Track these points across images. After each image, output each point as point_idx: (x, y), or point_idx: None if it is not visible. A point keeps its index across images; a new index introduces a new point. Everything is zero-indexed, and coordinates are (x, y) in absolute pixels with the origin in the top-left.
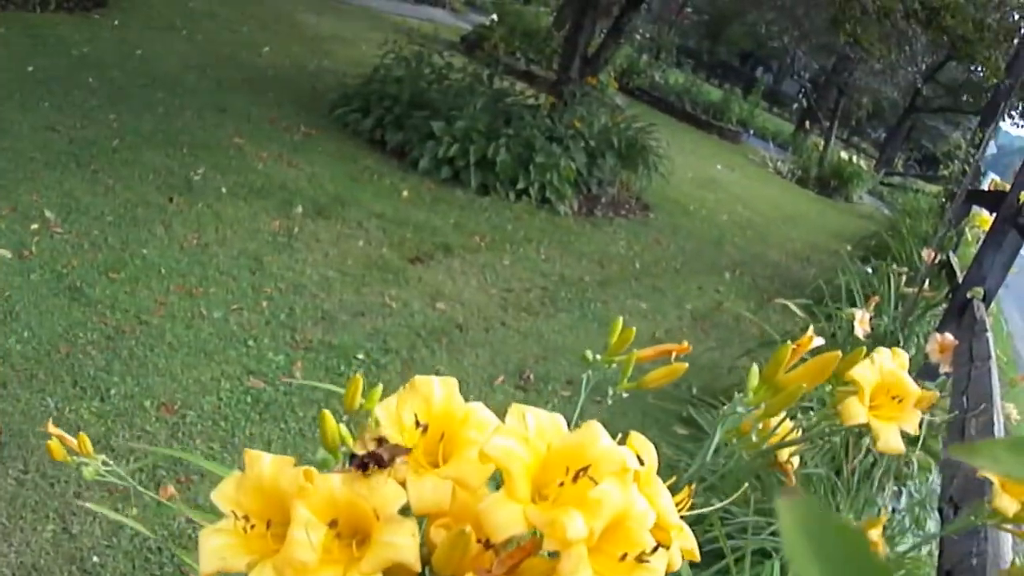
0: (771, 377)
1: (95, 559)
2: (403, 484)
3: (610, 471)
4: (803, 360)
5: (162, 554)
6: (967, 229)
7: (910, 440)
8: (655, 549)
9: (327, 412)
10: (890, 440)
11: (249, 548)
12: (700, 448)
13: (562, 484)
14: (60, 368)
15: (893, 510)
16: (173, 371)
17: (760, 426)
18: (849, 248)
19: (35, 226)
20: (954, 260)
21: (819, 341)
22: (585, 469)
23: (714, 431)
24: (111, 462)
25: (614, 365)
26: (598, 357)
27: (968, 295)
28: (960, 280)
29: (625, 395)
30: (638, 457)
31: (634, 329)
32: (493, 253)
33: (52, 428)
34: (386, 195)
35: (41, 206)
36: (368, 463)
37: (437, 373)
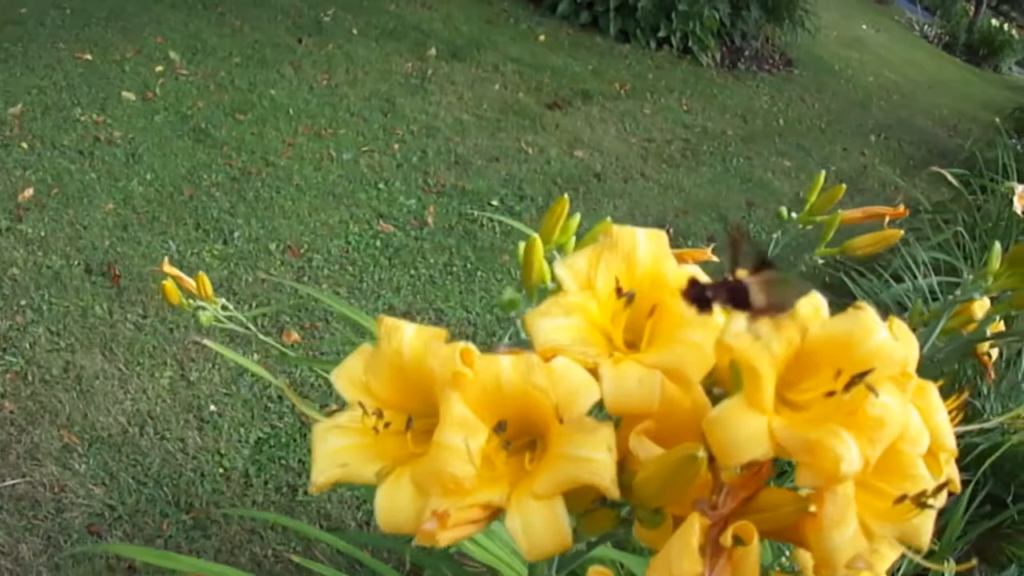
0: (1021, 260)
1: (212, 407)
2: (594, 373)
3: (889, 375)
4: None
5: (282, 403)
6: None
7: None
8: (940, 487)
9: (537, 238)
10: None
11: (381, 452)
12: None
13: (832, 393)
14: (183, 210)
15: None
16: (300, 213)
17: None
18: (999, 120)
19: (160, 68)
20: None
21: None
22: (863, 374)
23: (939, 318)
24: (230, 306)
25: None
26: (794, 215)
27: None
28: None
29: (821, 261)
30: None
31: (843, 186)
32: (633, 101)
33: (168, 267)
34: (523, 39)
35: (166, 48)
36: (727, 297)
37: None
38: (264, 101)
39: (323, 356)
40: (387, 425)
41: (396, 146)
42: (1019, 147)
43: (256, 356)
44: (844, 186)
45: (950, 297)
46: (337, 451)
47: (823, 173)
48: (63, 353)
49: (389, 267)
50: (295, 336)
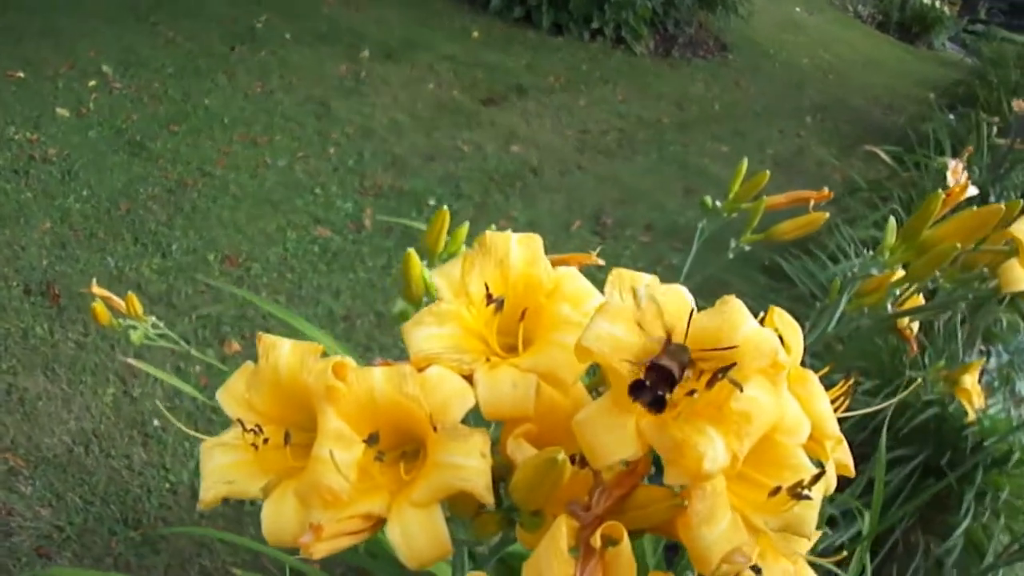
0: (915, 234)
1: (156, 423)
2: (469, 380)
3: (758, 367)
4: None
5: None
6: None
7: (999, 299)
8: (816, 477)
9: (413, 252)
10: None
11: (264, 467)
12: (788, 302)
13: (693, 392)
14: (120, 226)
15: (982, 370)
16: (237, 222)
17: (899, 292)
18: (933, 96)
19: (93, 82)
20: None
21: (973, 191)
22: (726, 369)
23: (840, 295)
24: (161, 324)
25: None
26: (719, 204)
27: None
28: None
29: (747, 248)
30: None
31: (768, 173)
32: (568, 94)
33: (96, 289)
34: (456, 37)
35: (99, 62)
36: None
37: (511, 219)
38: (199, 111)
39: None
40: (266, 441)
41: (332, 150)
42: (953, 122)
43: (198, 367)
44: (768, 172)
45: (848, 275)
46: (223, 468)
47: (745, 161)
48: (5, 376)
49: (328, 272)
50: (236, 346)
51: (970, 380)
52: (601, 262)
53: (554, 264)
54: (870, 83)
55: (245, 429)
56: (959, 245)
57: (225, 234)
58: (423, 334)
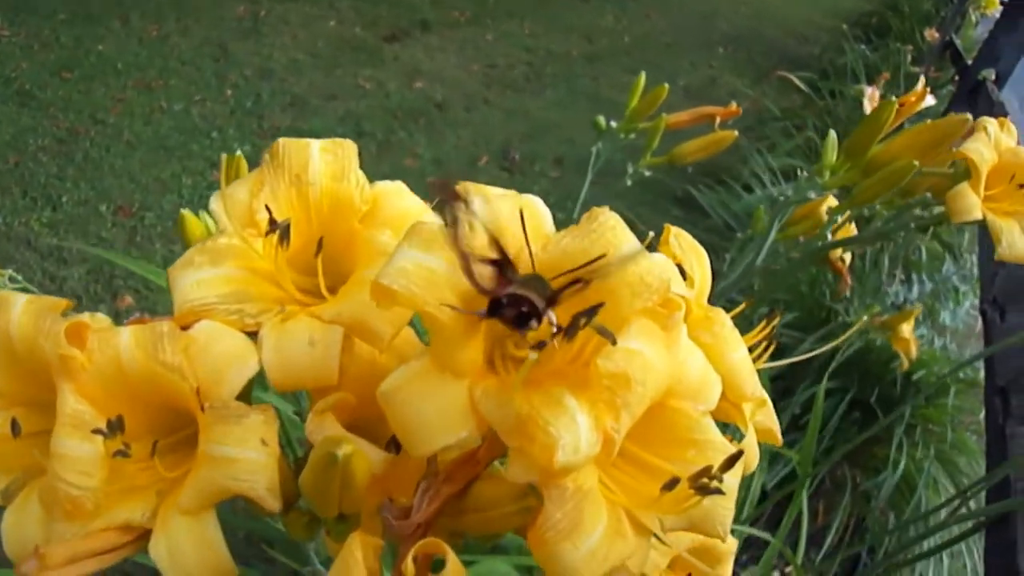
0: (861, 150)
1: None
2: (254, 336)
3: (641, 307)
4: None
5: None
6: (970, 10)
7: (921, 227)
8: (732, 460)
9: (187, 213)
10: (1015, 243)
11: (5, 463)
12: (704, 233)
13: (540, 344)
14: (8, 179)
15: (904, 300)
16: (131, 171)
17: (839, 219)
18: (847, 27)
19: None
20: (957, 41)
21: (931, 100)
22: (590, 312)
23: (769, 225)
24: (19, 277)
25: (633, 135)
26: (614, 124)
27: (980, 77)
28: (969, 62)
29: (648, 173)
30: (679, 269)
31: (667, 86)
32: (474, 29)
33: None
34: None
35: None
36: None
37: (416, 156)
38: (91, 57)
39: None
40: (16, 428)
41: (229, 92)
42: (867, 52)
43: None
44: (667, 85)
45: (780, 199)
46: None
47: (643, 75)
48: None
49: None
50: (128, 300)
51: (908, 329)
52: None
53: (688, 121)
54: (784, 14)
55: None
56: (916, 163)
57: (118, 183)
58: (191, 279)
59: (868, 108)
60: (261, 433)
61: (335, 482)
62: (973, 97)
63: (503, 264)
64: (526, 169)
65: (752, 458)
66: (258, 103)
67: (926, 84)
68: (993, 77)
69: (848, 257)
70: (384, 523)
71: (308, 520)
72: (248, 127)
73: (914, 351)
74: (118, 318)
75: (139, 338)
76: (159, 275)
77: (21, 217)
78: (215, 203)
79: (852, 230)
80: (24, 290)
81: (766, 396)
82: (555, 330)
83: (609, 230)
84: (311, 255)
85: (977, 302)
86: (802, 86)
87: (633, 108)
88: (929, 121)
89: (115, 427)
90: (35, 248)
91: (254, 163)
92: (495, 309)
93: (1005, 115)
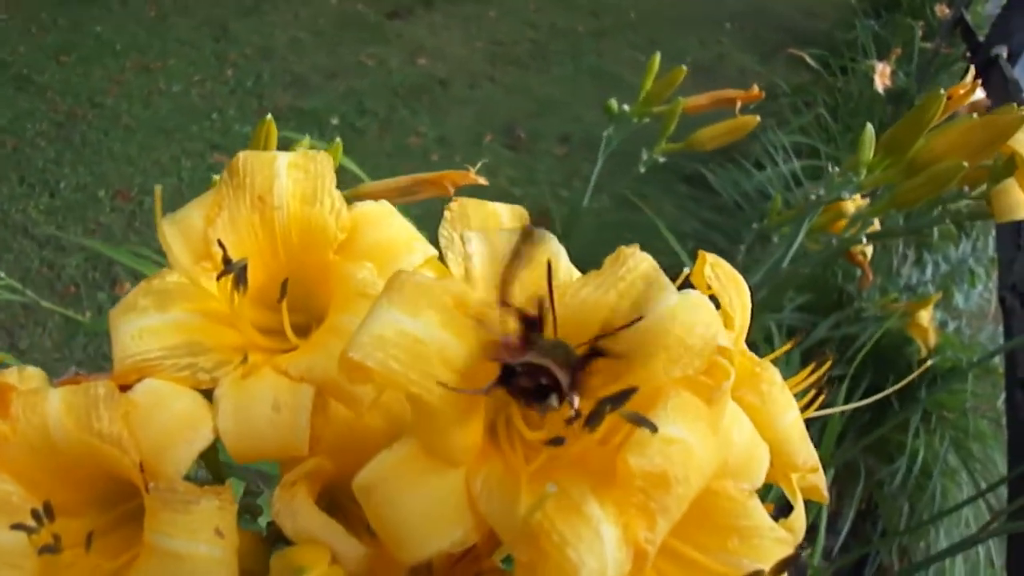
0: (903, 146)
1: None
2: (209, 394)
3: (682, 376)
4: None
5: None
6: None
7: (957, 222)
8: (782, 566)
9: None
10: None
11: None
12: (711, 211)
13: (557, 440)
14: (6, 165)
15: (917, 282)
16: (129, 154)
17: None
18: (855, 1)
19: None
20: (968, 17)
21: (980, 94)
22: (620, 397)
23: (798, 226)
24: (2, 275)
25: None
26: (626, 107)
27: (992, 53)
28: (981, 38)
29: (662, 159)
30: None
31: (684, 68)
32: (478, 5)
33: None
34: None
35: None
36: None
37: (420, 134)
38: (89, 40)
39: None
40: None
41: (229, 72)
42: (876, 27)
43: (88, 313)
44: (684, 68)
45: (811, 197)
46: None
47: (658, 56)
48: None
49: None
50: (128, 287)
51: (926, 316)
52: (482, 180)
53: (706, 105)
54: None
55: None
56: (965, 164)
57: (116, 168)
58: (133, 327)
59: (879, 84)
60: (215, 522)
61: None
62: (986, 75)
63: (534, 325)
64: (532, 148)
65: (799, 533)
66: (259, 83)
67: (976, 76)
68: (1005, 54)
69: (869, 251)
70: None
71: None
72: (249, 107)
73: (933, 339)
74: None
75: (70, 404)
76: (158, 265)
77: (18, 204)
78: (166, 229)
79: (876, 224)
80: (4, 286)
81: (818, 463)
82: (574, 414)
83: (640, 278)
84: (270, 295)
85: (991, 284)
86: (812, 63)
87: (647, 91)
88: (977, 116)
89: (43, 515)
90: (32, 236)
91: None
92: (507, 379)
93: (1020, 93)
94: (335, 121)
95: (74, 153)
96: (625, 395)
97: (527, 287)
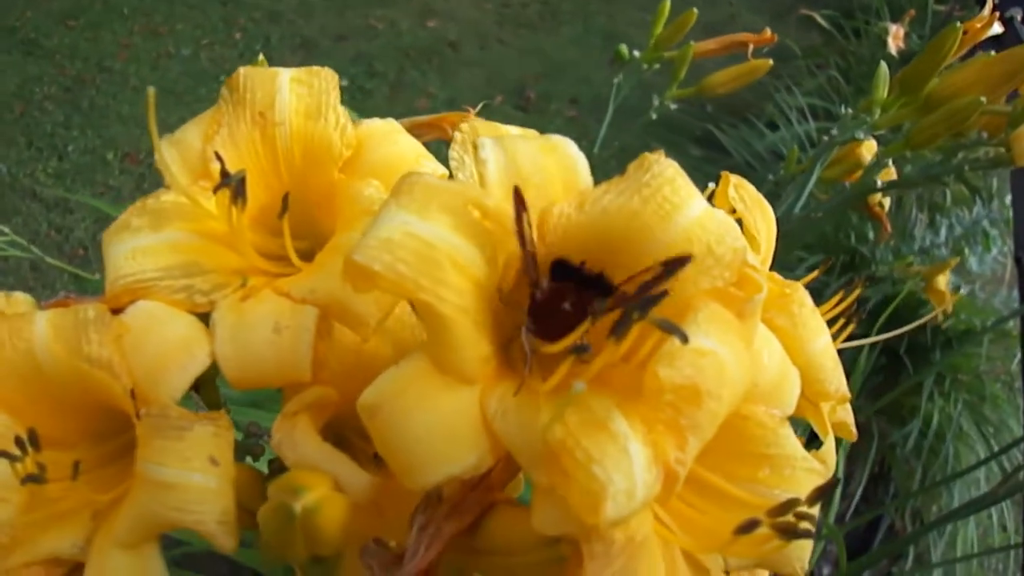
0: (919, 84)
1: None
2: (206, 319)
3: (710, 288)
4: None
5: None
6: None
7: (977, 169)
8: (818, 493)
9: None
10: None
11: None
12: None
13: (582, 348)
14: (14, 129)
15: (931, 244)
16: (138, 117)
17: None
18: None
19: None
20: None
21: (998, 28)
22: (650, 301)
23: (810, 168)
24: (7, 231)
25: (657, 65)
26: (636, 54)
27: (1006, 16)
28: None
29: (673, 106)
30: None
31: (695, 11)
32: None
33: None
34: None
35: None
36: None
37: (430, 95)
38: (96, 4)
39: None
40: None
41: (238, 35)
42: None
43: (97, 275)
44: (696, 10)
45: (825, 138)
46: None
47: (668, 2)
48: None
49: None
50: None
51: (943, 280)
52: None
53: (716, 49)
54: None
55: None
56: (983, 100)
57: (125, 131)
58: (126, 247)
59: (892, 47)
60: (210, 450)
61: (296, 535)
62: (1000, 38)
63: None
64: (542, 108)
65: (830, 466)
66: (267, 46)
67: (993, 9)
68: (1020, 16)
69: (887, 202)
70: (367, 567)
71: None
72: None
73: (949, 303)
74: None
75: (58, 327)
76: None
77: (27, 168)
78: (164, 148)
79: (892, 173)
80: (11, 243)
81: (847, 392)
82: (593, 321)
83: (667, 183)
84: (272, 214)
85: (1006, 248)
86: (824, 24)
87: (658, 36)
88: (991, 54)
89: (24, 446)
90: (41, 199)
91: None
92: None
93: None
94: (344, 82)
95: (82, 116)
96: (654, 300)
97: (536, 192)
